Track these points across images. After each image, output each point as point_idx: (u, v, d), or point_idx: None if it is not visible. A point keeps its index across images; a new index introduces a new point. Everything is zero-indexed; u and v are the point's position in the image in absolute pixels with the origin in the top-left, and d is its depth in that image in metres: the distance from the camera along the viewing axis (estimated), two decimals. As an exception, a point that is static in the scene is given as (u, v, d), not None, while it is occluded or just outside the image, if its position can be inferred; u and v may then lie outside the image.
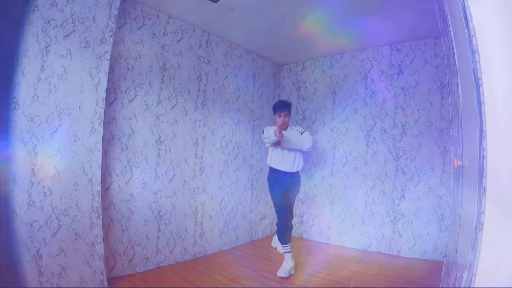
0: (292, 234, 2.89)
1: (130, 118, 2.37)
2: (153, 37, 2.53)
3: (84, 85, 2.01)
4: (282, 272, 2.41)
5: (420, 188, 2.91)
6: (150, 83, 2.50)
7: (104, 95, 2.10)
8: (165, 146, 2.60)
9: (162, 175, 2.57)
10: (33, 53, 1.79)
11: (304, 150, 2.56)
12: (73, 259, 1.91)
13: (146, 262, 2.43)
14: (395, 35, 2.95)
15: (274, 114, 2.68)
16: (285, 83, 4.04)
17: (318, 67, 3.71)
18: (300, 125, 3.69)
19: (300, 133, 2.59)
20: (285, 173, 2.54)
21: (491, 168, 0.83)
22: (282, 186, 2.54)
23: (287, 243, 2.51)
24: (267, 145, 2.63)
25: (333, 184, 3.47)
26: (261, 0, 2.41)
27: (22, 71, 1.75)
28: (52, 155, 1.86)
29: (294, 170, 2.56)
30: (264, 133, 2.56)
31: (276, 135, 2.34)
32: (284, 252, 2.51)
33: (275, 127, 2.52)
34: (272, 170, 2.62)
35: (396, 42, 3.11)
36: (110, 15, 2.13)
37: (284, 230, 2.52)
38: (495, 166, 0.82)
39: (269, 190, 2.65)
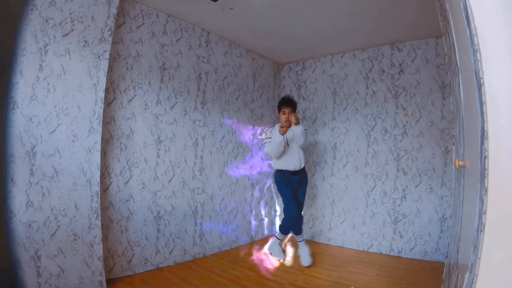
0: (292, 235, 2.91)
1: (129, 118, 2.36)
2: (152, 36, 2.52)
3: (83, 84, 2.00)
4: (308, 261, 2.65)
5: (421, 189, 2.89)
6: (149, 82, 2.49)
7: (103, 94, 2.08)
8: (165, 146, 2.59)
9: (161, 175, 2.56)
10: (31, 52, 1.78)
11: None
12: (71, 260, 1.90)
13: (145, 263, 2.42)
14: (396, 34, 2.93)
15: (279, 112, 2.78)
16: (285, 83, 4.03)
17: (319, 67, 3.69)
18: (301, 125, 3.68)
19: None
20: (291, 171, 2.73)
21: (492, 168, 0.83)
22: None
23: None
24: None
25: (334, 184, 3.45)
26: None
27: (21, 70, 1.74)
28: (51, 155, 1.85)
29: (298, 168, 2.73)
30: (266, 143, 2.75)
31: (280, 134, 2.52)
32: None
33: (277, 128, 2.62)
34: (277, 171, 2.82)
35: (397, 41, 3.09)
36: (109, 14, 2.12)
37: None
38: (497, 166, 0.82)
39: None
